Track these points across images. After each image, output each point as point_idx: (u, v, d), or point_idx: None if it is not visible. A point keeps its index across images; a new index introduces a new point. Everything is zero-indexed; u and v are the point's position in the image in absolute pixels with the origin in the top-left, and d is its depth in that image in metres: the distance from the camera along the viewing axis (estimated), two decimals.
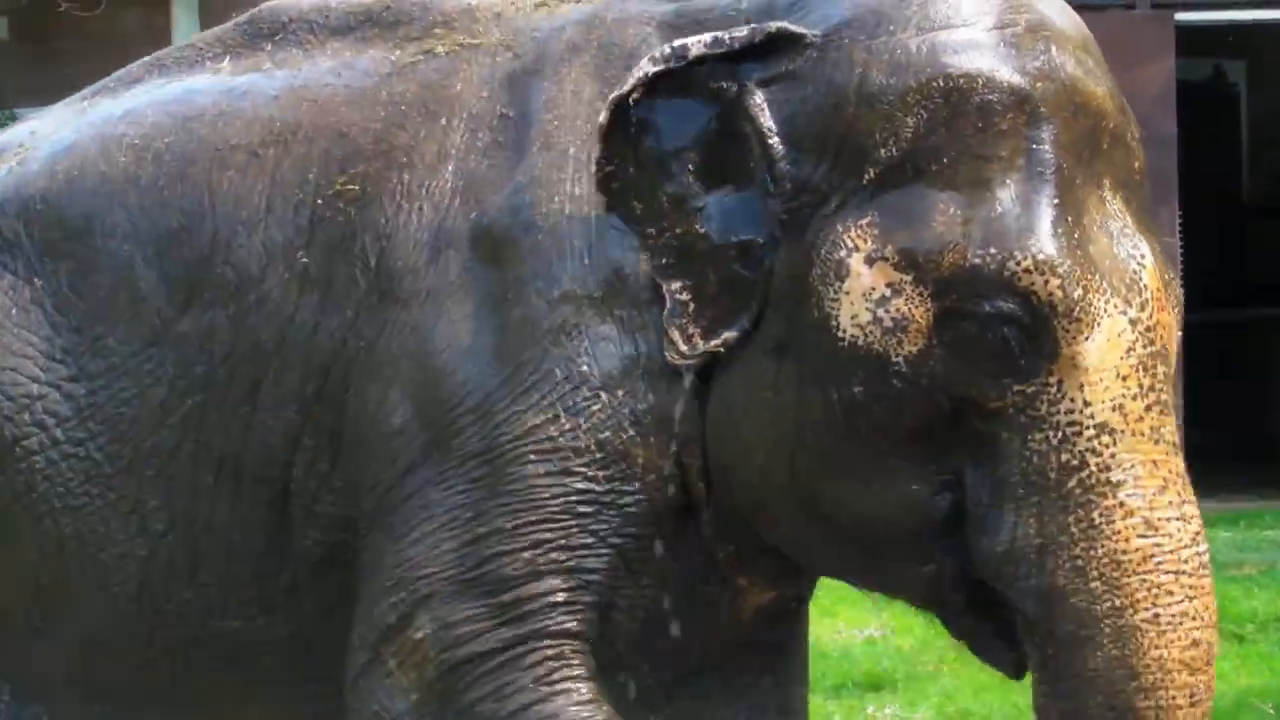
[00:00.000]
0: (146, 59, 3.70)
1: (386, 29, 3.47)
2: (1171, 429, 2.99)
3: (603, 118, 3.07)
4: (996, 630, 3.06)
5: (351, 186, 3.28)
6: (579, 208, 3.16)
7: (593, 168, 3.12)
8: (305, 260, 3.28)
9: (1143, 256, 3.00)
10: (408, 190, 3.26)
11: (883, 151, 2.98)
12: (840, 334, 2.98)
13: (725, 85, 3.06)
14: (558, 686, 3.11)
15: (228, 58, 3.56)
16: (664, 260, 3.08)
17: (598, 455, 3.11)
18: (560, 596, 3.12)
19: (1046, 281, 2.91)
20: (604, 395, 3.11)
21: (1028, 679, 3.07)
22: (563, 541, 3.11)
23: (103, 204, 3.41)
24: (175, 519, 3.34)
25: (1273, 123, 13.03)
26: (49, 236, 3.45)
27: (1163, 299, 3.01)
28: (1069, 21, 3.11)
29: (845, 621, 7.64)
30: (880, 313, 2.95)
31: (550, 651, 3.12)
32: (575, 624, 3.13)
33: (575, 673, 3.13)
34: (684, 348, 3.06)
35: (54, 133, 3.60)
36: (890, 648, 8.11)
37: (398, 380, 3.20)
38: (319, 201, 3.30)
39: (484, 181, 3.23)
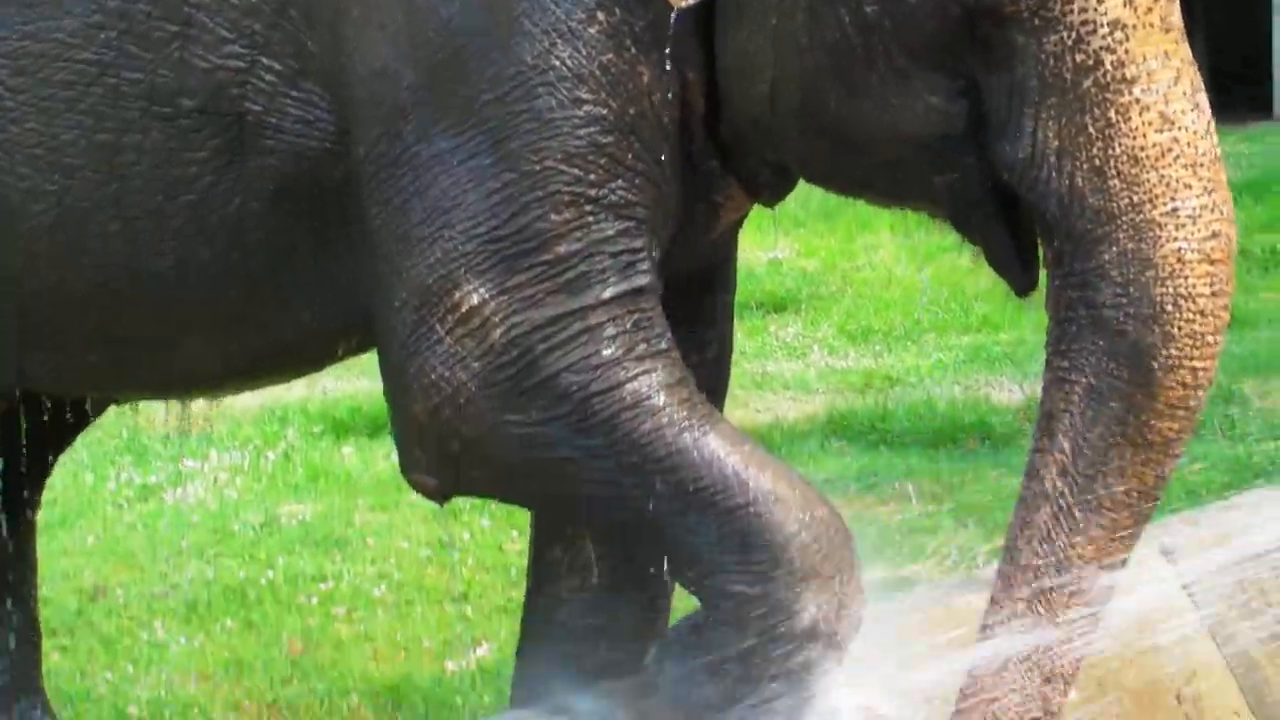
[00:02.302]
0: None
1: None
2: (1178, 15, 2.98)
3: None
4: (1016, 242, 3.06)
5: None
6: None
7: None
8: None
9: None
10: None
11: None
12: None
13: None
14: (645, 364, 3.03)
15: None
16: None
17: (603, 79, 3.01)
18: (617, 246, 3.03)
19: None
20: (600, 15, 3.00)
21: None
22: (593, 177, 3.02)
23: None
24: (94, 151, 3.25)
25: None
26: None
27: None
28: None
29: (749, 243, 7.72)
30: None
31: (628, 322, 3.03)
32: (642, 277, 3.06)
33: (658, 347, 3.05)
34: None
35: None
36: (795, 269, 8.21)
37: (374, 18, 3.07)
38: None
39: None
